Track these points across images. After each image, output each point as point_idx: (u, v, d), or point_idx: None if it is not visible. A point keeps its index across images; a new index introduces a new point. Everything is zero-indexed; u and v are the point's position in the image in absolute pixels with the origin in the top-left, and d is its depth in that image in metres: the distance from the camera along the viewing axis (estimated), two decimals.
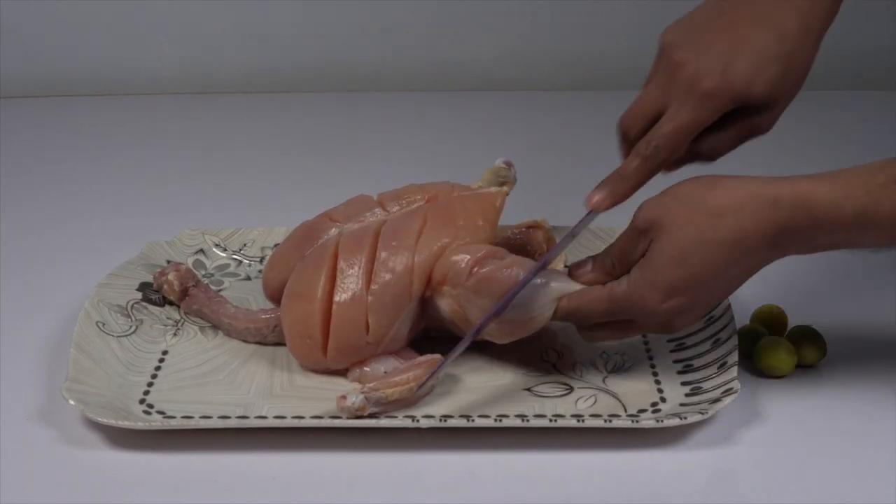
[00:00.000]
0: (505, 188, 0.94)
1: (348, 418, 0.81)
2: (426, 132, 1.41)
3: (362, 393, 0.81)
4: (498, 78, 1.55)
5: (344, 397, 0.81)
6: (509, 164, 0.97)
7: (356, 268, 0.87)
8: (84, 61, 1.53)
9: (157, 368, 0.90)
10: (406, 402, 0.83)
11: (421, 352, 0.88)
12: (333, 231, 0.92)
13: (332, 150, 1.37)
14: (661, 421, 0.81)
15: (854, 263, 1.07)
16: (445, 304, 0.87)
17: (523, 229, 0.96)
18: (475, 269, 0.85)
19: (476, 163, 1.18)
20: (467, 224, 0.89)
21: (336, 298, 0.86)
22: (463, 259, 0.86)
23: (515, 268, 0.84)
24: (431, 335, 0.91)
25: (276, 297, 0.92)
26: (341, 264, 0.87)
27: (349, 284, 0.86)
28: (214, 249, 1.05)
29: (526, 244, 0.95)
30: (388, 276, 0.86)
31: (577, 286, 0.84)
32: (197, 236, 1.05)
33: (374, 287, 0.86)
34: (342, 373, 0.89)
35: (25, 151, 1.35)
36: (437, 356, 0.86)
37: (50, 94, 1.52)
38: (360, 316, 0.86)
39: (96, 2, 1.51)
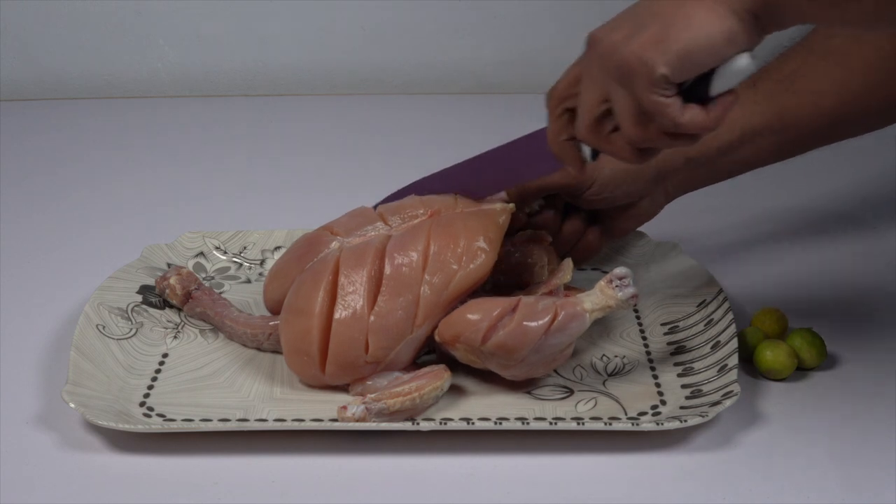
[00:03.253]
0: (511, 205, 0.92)
1: None
2: (426, 135, 1.41)
3: (363, 403, 0.81)
4: (498, 81, 1.55)
5: (345, 407, 0.81)
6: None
7: (358, 285, 0.86)
8: (84, 64, 1.53)
9: (158, 371, 0.90)
10: (409, 412, 0.83)
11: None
12: (334, 245, 0.91)
13: (331, 152, 1.37)
14: (662, 424, 0.81)
15: (854, 265, 1.07)
16: (460, 355, 0.86)
17: (524, 242, 0.95)
18: (490, 334, 0.83)
19: None
20: (470, 245, 0.87)
21: (336, 315, 0.85)
22: (476, 322, 0.84)
23: (528, 321, 0.83)
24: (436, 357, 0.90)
25: (276, 310, 0.92)
26: (342, 280, 0.86)
27: (350, 302, 0.86)
28: (215, 252, 1.05)
29: (526, 258, 0.94)
30: (392, 301, 0.85)
31: (584, 301, 0.84)
32: (197, 239, 1.05)
33: (377, 308, 0.85)
34: None
35: (25, 154, 1.35)
36: (442, 367, 0.85)
37: (49, 97, 1.52)
38: (360, 335, 0.85)
39: (96, 4, 1.51)
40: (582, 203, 0.96)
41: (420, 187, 0.96)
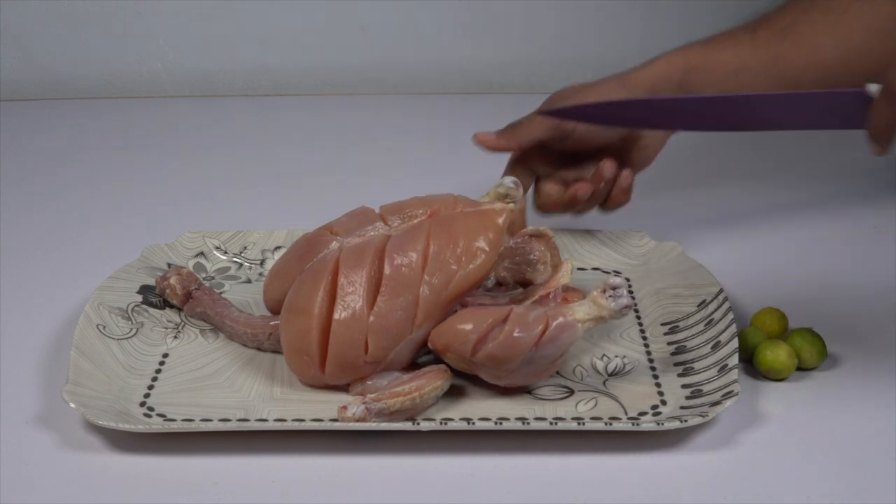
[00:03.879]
0: (511, 205, 0.92)
1: None
2: (426, 135, 1.41)
3: (363, 403, 0.81)
4: (498, 81, 1.55)
5: (345, 407, 0.81)
6: (517, 184, 0.95)
7: (357, 285, 0.86)
8: (84, 64, 1.53)
9: (158, 371, 0.90)
10: (409, 412, 0.83)
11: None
12: (334, 245, 0.91)
13: (332, 152, 1.37)
14: (662, 424, 0.81)
15: (854, 265, 1.07)
16: (452, 363, 0.86)
17: (526, 237, 0.95)
18: (480, 346, 0.83)
19: (476, 166, 1.18)
20: (469, 246, 0.87)
21: (336, 316, 0.85)
22: (466, 333, 0.83)
23: (518, 332, 0.83)
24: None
25: (276, 309, 0.91)
26: (342, 280, 0.86)
27: (350, 302, 0.86)
28: (215, 252, 1.05)
29: (529, 253, 0.94)
30: (392, 301, 0.85)
31: (576, 311, 0.84)
32: (197, 239, 1.05)
33: (377, 308, 0.85)
34: None
35: (25, 154, 1.35)
36: (442, 367, 0.85)
37: (50, 97, 1.52)
38: (359, 335, 0.85)
39: (96, 4, 1.51)
40: (572, 145, 0.98)
41: (683, 103, 0.93)
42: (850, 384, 0.89)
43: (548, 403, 0.86)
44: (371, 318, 0.85)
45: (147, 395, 0.87)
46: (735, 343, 0.88)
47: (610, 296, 0.84)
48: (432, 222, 0.89)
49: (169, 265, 1.01)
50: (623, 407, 0.85)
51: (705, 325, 0.93)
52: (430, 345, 0.86)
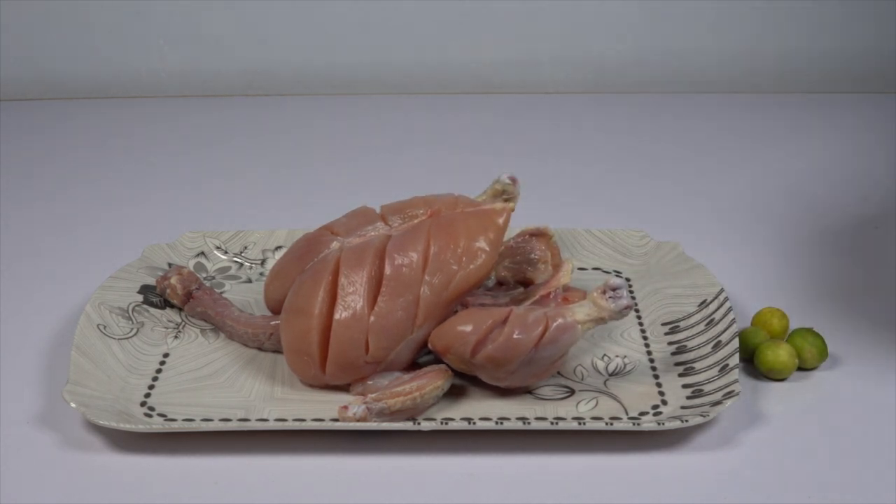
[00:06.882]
0: (510, 204, 0.92)
1: None
2: (426, 135, 1.41)
3: (364, 403, 0.81)
4: (498, 81, 1.55)
5: (346, 407, 0.81)
6: (514, 180, 0.95)
7: (358, 285, 0.86)
8: (84, 64, 1.53)
9: (159, 371, 0.90)
10: (410, 412, 0.83)
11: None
12: (334, 245, 0.91)
13: (332, 152, 1.37)
14: (663, 423, 0.81)
15: (854, 265, 1.07)
16: (452, 364, 0.86)
17: (527, 237, 0.95)
18: (479, 348, 0.83)
19: (475, 165, 1.18)
20: (470, 246, 0.88)
21: (336, 316, 0.85)
22: (466, 334, 0.83)
23: (518, 334, 0.83)
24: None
25: (277, 309, 0.92)
26: (342, 280, 0.86)
27: (350, 302, 0.86)
28: (216, 252, 1.05)
29: (529, 253, 0.94)
30: (393, 301, 0.85)
31: (576, 312, 0.84)
32: (198, 239, 1.05)
33: (377, 308, 0.85)
34: None
35: (26, 154, 1.35)
36: (443, 366, 0.85)
37: (50, 97, 1.52)
38: (360, 335, 0.85)
39: (96, 4, 1.51)
40: None
41: None
42: (850, 384, 0.89)
43: (548, 403, 0.86)
44: (371, 319, 0.85)
45: (148, 395, 0.87)
46: (736, 343, 0.88)
47: (610, 297, 0.84)
48: (433, 222, 0.89)
49: (169, 265, 1.01)
50: (624, 407, 0.85)
51: (706, 325, 0.93)
52: (430, 346, 0.86)
